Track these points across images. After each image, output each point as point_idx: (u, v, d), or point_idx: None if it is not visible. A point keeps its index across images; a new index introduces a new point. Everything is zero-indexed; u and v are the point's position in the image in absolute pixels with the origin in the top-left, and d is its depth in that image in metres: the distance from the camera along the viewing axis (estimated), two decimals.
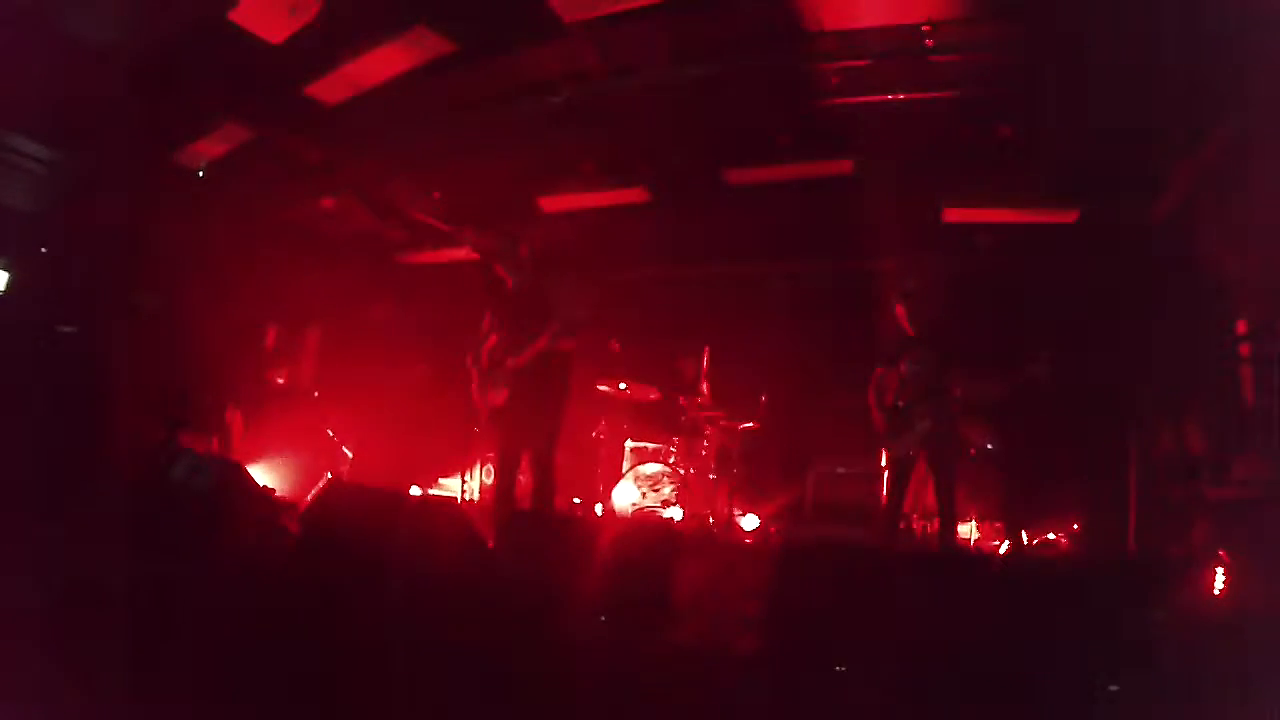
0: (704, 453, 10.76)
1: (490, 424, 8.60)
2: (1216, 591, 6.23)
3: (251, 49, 8.57)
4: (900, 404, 8.57)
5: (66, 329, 10.37)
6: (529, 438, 8.16)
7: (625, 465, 10.95)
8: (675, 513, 10.32)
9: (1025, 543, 10.22)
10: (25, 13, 8.13)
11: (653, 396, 11.29)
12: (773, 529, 11.03)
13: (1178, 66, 7.31)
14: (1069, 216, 10.35)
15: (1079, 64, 7.93)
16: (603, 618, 5.74)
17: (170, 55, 8.88)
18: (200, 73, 9.23)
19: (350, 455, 12.28)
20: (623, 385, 10.91)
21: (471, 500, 10.83)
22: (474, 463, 11.21)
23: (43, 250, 11.34)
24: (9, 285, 10.92)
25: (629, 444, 11.13)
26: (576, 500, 11.78)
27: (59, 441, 7.48)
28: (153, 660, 4.45)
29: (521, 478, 8.56)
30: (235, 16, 8.16)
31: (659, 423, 11.35)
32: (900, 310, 8.72)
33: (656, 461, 10.73)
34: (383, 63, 8.94)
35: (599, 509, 11.02)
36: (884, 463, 9.50)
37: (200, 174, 11.60)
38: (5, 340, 9.85)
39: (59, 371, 9.05)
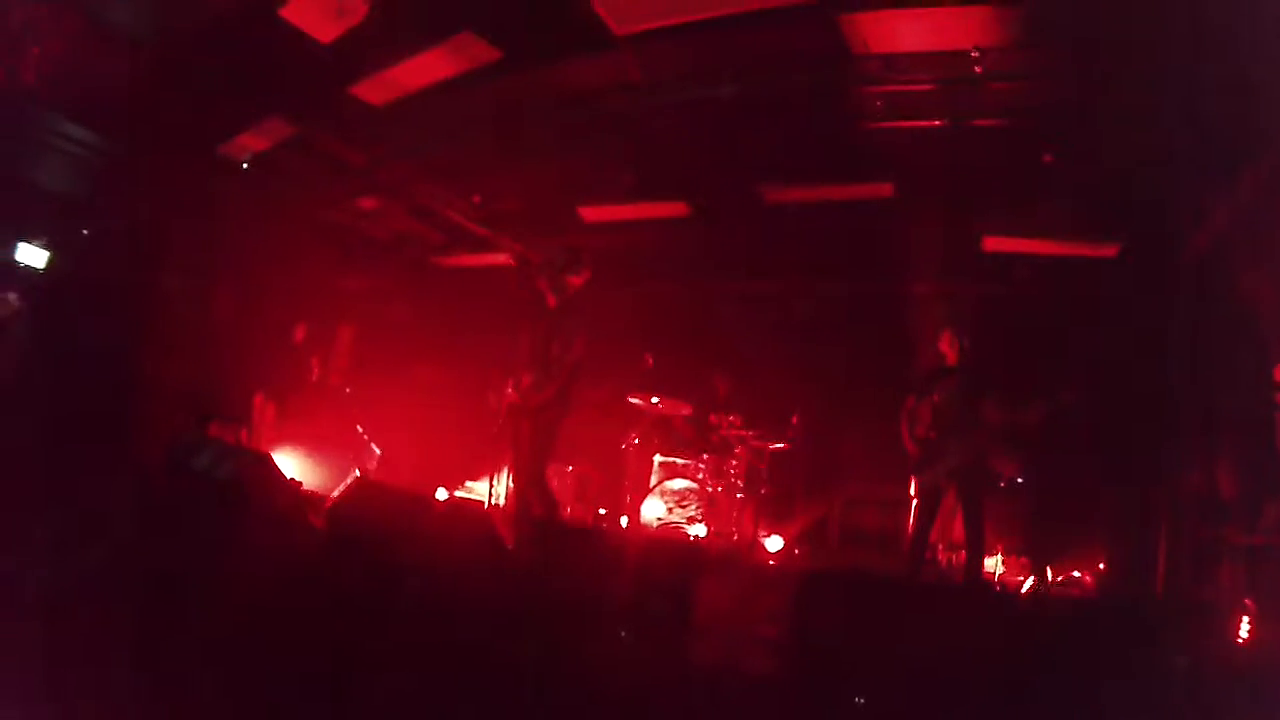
0: (733, 471, 10.70)
1: (502, 435, 8.66)
2: (1241, 638, 6.17)
3: (300, 47, 8.63)
4: (932, 435, 8.52)
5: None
6: (530, 455, 8.20)
7: (653, 480, 10.92)
8: (700, 530, 10.28)
9: (1050, 579, 10.15)
10: (80, 3, 8.22)
11: (685, 412, 11.26)
12: (798, 551, 10.99)
13: (1220, 101, 7.25)
14: (1109, 250, 10.28)
15: (1122, 96, 7.88)
16: (623, 634, 5.73)
17: (219, 49, 8.94)
18: (248, 68, 9.28)
19: (379, 452, 12.32)
20: (655, 399, 10.88)
21: (497, 505, 10.83)
22: (501, 467, 11.20)
23: (84, 234, 11.44)
24: (48, 267, 11.01)
25: (658, 458, 11.11)
26: (602, 511, 11.77)
27: (90, 428, 7.52)
28: (172, 652, 4.46)
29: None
30: (285, 13, 8.21)
31: (690, 439, 11.32)
32: (945, 339, 8.68)
33: (684, 478, 10.69)
34: (428, 67, 8.98)
35: (624, 522, 10.99)
36: (913, 492, 9.46)
37: (245, 167, 11.68)
38: (40, 325, 9.92)
39: (92, 358, 9.09)
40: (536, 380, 8.03)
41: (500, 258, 13.92)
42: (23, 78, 8.82)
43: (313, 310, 13.44)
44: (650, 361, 11.08)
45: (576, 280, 8.28)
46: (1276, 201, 8.33)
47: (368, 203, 12.86)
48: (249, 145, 11.34)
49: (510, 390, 8.28)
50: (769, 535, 10.85)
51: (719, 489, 10.59)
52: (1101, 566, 10.40)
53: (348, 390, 13.69)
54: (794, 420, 10.76)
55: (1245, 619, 6.33)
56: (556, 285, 8.27)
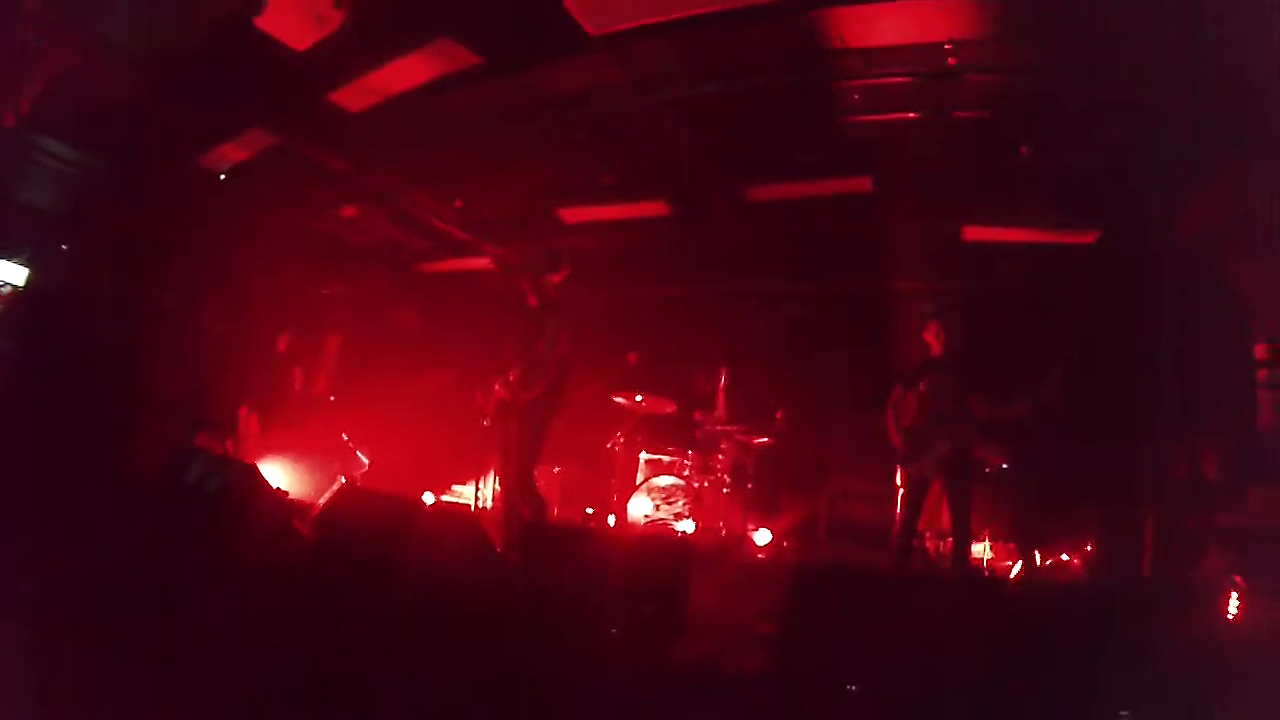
0: (719, 467, 10.73)
1: (491, 435, 8.72)
2: (1230, 617, 6.21)
3: (276, 55, 8.61)
4: (918, 425, 8.55)
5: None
6: (518, 456, 8.25)
7: (639, 477, 10.93)
8: (688, 526, 10.30)
9: (1038, 564, 10.18)
10: (56, 16, 8.20)
11: (669, 409, 11.27)
12: (786, 545, 11.01)
13: (1195, 90, 7.28)
14: (1089, 237, 10.31)
15: (1100, 86, 7.91)
16: (614, 631, 5.74)
17: (196, 60, 8.91)
18: (225, 78, 9.26)
19: (364, 459, 12.32)
20: (639, 397, 10.89)
21: (484, 508, 10.83)
22: (487, 471, 11.20)
23: (64, 248, 11.41)
24: (29, 283, 10.99)
25: (644, 456, 11.12)
26: (589, 510, 11.77)
27: (76, 441, 7.51)
28: (161, 662, 4.47)
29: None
30: (261, 23, 8.20)
31: (675, 436, 11.33)
32: (930, 330, 8.71)
33: (671, 474, 10.71)
34: (407, 72, 8.97)
35: (611, 520, 11.00)
36: (899, 483, 9.49)
37: (222, 178, 11.65)
38: (23, 338, 9.90)
39: (76, 370, 9.08)
40: (524, 376, 8.10)
41: (482, 262, 13.92)
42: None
43: (296, 319, 13.42)
44: (633, 360, 11.10)
45: (556, 279, 8.37)
46: (1255, 187, 8.39)
47: (349, 210, 12.84)
48: (229, 155, 11.32)
49: (499, 387, 8.34)
50: (757, 530, 10.87)
51: (705, 485, 10.61)
52: (1089, 549, 10.44)
53: (332, 398, 13.68)
54: (778, 415, 10.79)
55: (1233, 599, 6.37)
56: (537, 285, 8.35)
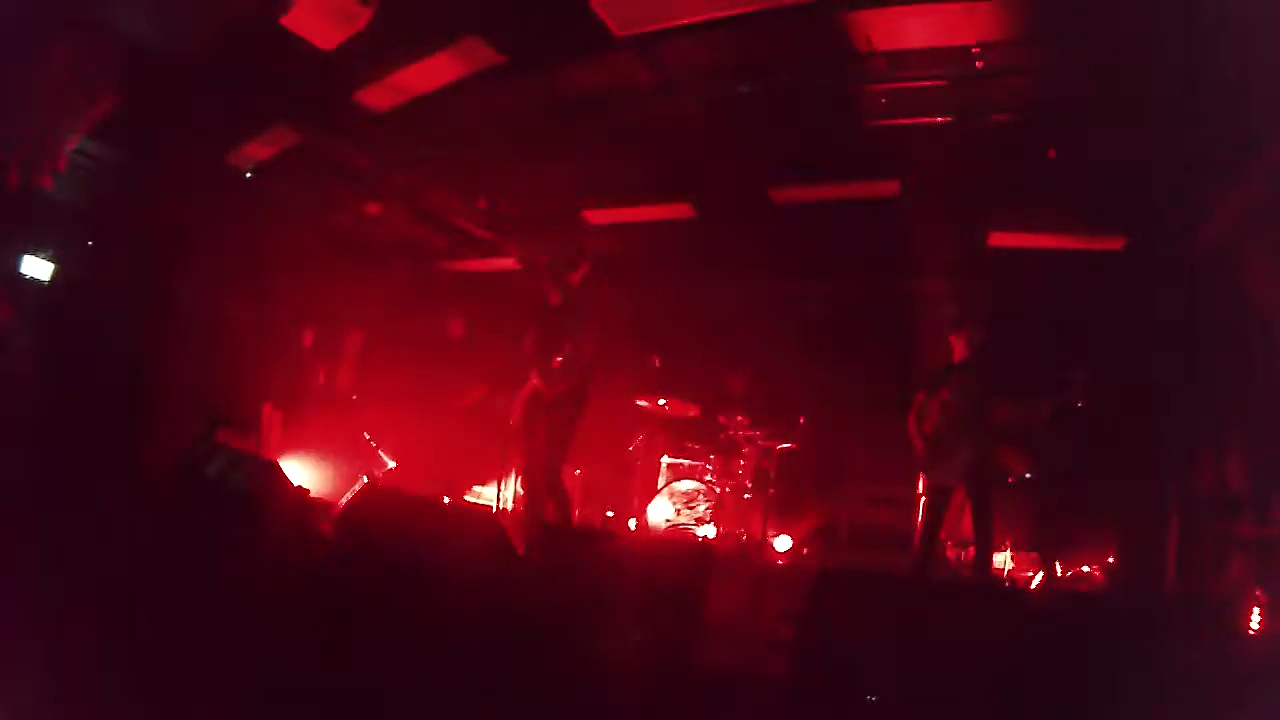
0: (740, 472, 10.70)
1: (516, 434, 8.74)
2: (1252, 630, 6.15)
3: (302, 54, 8.62)
4: (941, 432, 8.51)
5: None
6: (546, 454, 8.26)
7: (661, 481, 10.92)
8: (709, 531, 10.27)
9: (1060, 574, 10.12)
10: (82, 13, 8.22)
11: (692, 413, 11.25)
12: (806, 551, 10.97)
13: (1226, 94, 7.22)
14: (1115, 243, 10.25)
15: (1126, 89, 7.85)
16: (634, 636, 5.72)
17: (222, 57, 8.93)
18: (251, 76, 9.28)
19: (387, 459, 12.32)
20: (662, 401, 10.87)
21: (506, 509, 10.83)
22: (509, 472, 11.20)
23: (89, 244, 11.44)
24: (54, 278, 11.01)
25: (665, 460, 11.11)
26: (610, 514, 11.76)
27: (96, 436, 7.53)
28: (180, 661, 4.46)
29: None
30: (287, 22, 8.21)
31: (697, 440, 11.31)
32: (954, 336, 8.67)
33: (692, 478, 10.69)
34: (433, 72, 8.96)
35: (632, 524, 10.98)
36: (922, 489, 9.44)
37: (248, 175, 11.68)
38: (47, 333, 9.94)
39: (98, 366, 9.11)
40: (559, 369, 8.13)
41: (505, 262, 13.94)
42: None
43: (319, 317, 13.45)
44: (657, 363, 11.08)
45: (576, 276, 8.38)
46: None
47: (373, 208, 12.86)
48: (254, 153, 11.35)
49: (535, 377, 8.35)
50: (778, 535, 10.84)
51: (727, 489, 10.58)
52: (1111, 561, 10.37)
53: (354, 397, 13.69)
54: (801, 420, 10.76)
55: (1257, 612, 6.32)
56: (559, 283, 8.37)
